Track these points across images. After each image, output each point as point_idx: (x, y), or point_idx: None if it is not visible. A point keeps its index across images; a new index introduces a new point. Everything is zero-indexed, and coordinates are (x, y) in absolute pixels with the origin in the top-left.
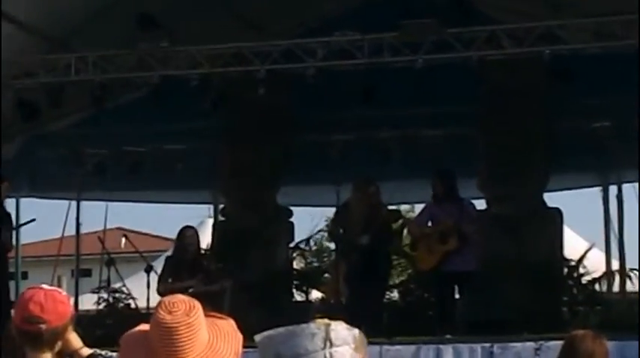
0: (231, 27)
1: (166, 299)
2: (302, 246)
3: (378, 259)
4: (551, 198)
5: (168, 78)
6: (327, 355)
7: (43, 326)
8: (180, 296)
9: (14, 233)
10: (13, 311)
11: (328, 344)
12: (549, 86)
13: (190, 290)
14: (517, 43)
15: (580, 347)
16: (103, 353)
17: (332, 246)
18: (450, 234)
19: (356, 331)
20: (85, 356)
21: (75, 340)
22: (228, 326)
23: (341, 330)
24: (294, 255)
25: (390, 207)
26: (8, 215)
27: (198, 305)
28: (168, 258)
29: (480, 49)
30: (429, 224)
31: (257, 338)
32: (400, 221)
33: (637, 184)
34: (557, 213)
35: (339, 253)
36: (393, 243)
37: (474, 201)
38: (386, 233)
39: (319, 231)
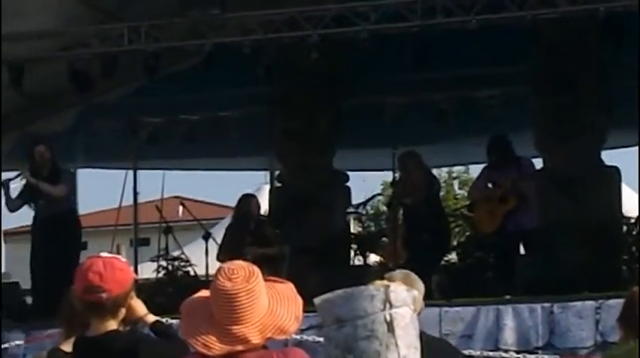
0: None
1: (225, 265)
2: (359, 209)
3: (434, 222)
4: (609, 156)
5: (220, 45)
6: (387, 316)
7: (104, 295)
8: (239, 263)
9: None
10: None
11: (388, 305)
12: (603, 44)
13: (248, 256)
14: (571, 1)
15: None
16: (164, 320)
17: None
18: (508, 193)
19: (415, 292)
20: (150, 322)
21: (139, 307)
22: (287, 291)
23: (400, 292)
24: (352, 219)
25: (444, 170)
26: (60, 171)
27: (257, 270)
28: (229, 227)
29: (533, 8)
30: (489, 186)
31: (316, 301)
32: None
33: None
34: (615, 172)
35: (395, 216)
36: (436, 204)
37: (533, 160)
38: (428, 196)
39: (375, 195)
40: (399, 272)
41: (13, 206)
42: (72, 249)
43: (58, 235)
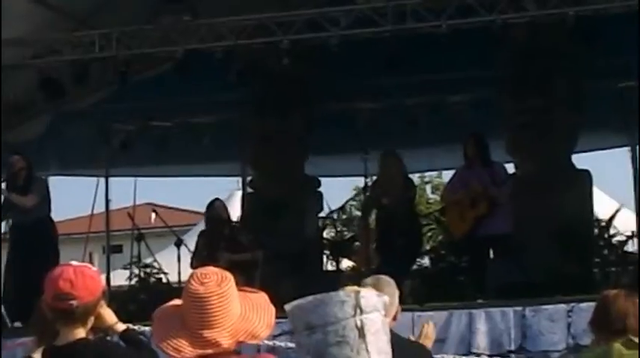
0: None
1: (198, 270)
2: (334, 215)
3: (408, 225)
4: (580, 159)
5: (192, 51)
6: (358, 322)
7: (74, 303)
8: (211, 268)
9: None
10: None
11: (358, 311)
12: (573, 47)
13: (222, 262)
14: (541, 5)
15: (613, 307)
16: (136, 327)
17: (360, 214)
18: (479, 199)
19: (386, 297)
20: (120, 331)
21: (109, 316)
22: (260, 299)
23: (371, 297)
24: (324, 224)
25: (417, 174)
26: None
27: (229, 276)
28: (201, 233)
29: (503, 12)
30: (461, 189)
31: (287, 307)
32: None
33: None
34: (586, 175)
35: (368, 221)
36: (411, 208)
37: (505, 165)
38: (404, 198)
39: (350, 199)
40: (369, 278)
41: None
42: (47, 257)
43: (32, 244)
